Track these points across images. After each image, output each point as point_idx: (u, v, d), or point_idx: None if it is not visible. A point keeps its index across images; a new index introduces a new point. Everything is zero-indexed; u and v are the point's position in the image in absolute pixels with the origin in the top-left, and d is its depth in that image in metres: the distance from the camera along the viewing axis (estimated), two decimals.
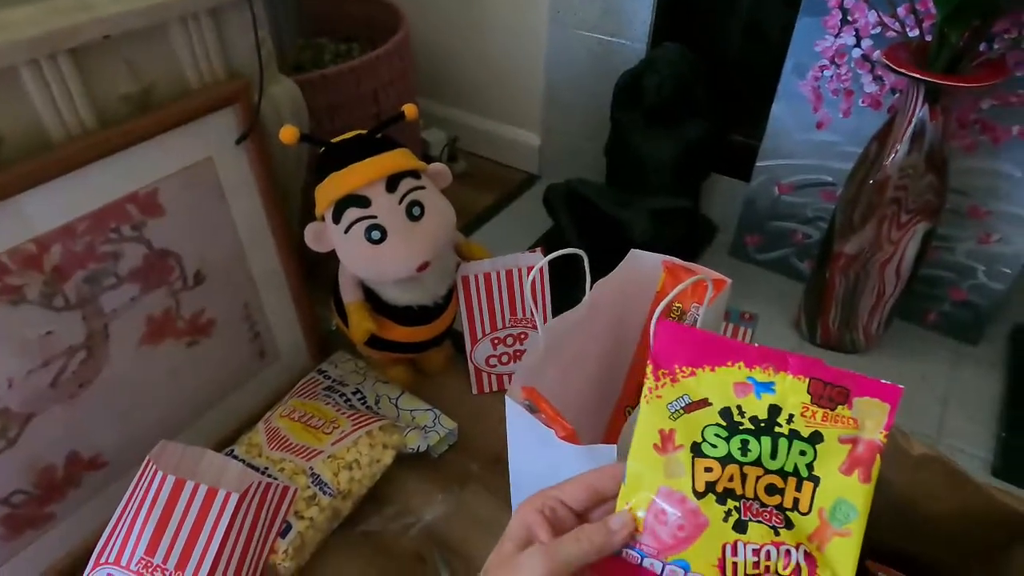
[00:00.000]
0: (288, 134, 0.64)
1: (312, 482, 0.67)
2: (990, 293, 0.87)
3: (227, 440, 0.75)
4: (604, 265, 0.59)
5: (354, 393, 0.81)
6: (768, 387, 0.34)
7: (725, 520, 0.33)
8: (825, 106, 0.88)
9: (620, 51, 1.05)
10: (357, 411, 0.76)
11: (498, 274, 0.79)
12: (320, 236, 0.69)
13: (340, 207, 0.67)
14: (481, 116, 1.31)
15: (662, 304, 0.48)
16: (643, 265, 0.60)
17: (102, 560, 0.58)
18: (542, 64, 1.15)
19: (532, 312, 0.59)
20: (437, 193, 0.71)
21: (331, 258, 0.71)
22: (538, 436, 0.49)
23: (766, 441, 0.34)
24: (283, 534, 0.64)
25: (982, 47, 0.70)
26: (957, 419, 0.82)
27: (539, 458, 0.51)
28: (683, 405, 0.35)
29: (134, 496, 0.59)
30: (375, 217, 0.66)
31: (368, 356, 0.85)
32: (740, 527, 0.33)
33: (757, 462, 0.33)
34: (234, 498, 0.58)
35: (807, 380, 0.33)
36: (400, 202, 0.67)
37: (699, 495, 0.33)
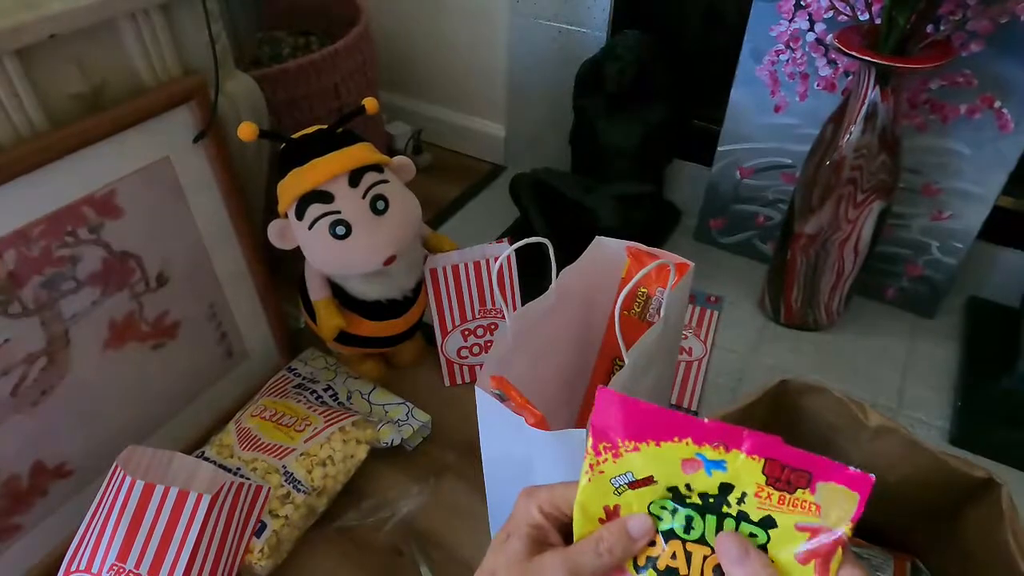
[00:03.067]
0: (246, 131, 0.63)
1: (285, 480, 0.67)
2: (944, 268, 0.90)
3: (198, 442, 0.74)
4: (572, 253, 0.59)
5: (325, 390, 0.80)
6: (719, 465, 0.30)
7: None
8: (782, 90, 0.89)
9: (581, 39, 1.05)
10: (329, 408, 0.76)
11: (466, 266, 0.79)
12: (284, 233, 0.68)
13: (303, 203, 0.66)
14: (445, 108, 1.31)
15: (625, 289, 0.49)
16: (608, 251, 0.60)
17: (72, 568, 0.57)
18: (504, 55, 1.15)
19: (500, 302, 0.59)
20: (401, 186, 0.71)
21: (296, 255, 0.70)
22: (509, 424, 0.49)
23: (711, 520, 0.31)
24: (258, 533, 0.63)
25: (929, 29, 0.72)
26: (916, 390, 0.85)
27: (511, 446, 0.51)
28: (627, 482, 0.31)
29: (103, 502, 0.58)
30: (339, 212, 0.66)
31: (338, 352, 0.84)
32: None
33: (702, 540, 0.31)
34: (206, 500, 0.57)
35: (762, 461, 0.30)
36: (364, 196, 0.66)
37: (639, 569, 0.32)
